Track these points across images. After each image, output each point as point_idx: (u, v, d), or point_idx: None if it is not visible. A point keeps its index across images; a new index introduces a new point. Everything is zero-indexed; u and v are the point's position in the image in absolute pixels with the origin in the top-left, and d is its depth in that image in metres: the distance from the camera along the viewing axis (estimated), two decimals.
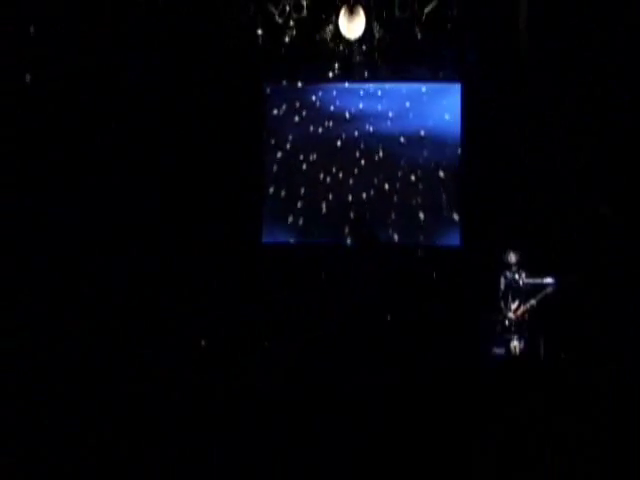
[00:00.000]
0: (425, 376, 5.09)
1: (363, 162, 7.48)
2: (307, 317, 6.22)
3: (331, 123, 7.55)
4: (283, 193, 7.55)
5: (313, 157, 7.55)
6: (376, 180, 7.42)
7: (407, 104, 7.46)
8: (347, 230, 6.92)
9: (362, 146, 7.50)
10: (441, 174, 7.36)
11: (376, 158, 7.46)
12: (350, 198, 7.40)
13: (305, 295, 6.50)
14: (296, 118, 7.58)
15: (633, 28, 6.20)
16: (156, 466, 3.94)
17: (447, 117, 7.36)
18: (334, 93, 7.53)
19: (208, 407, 4.54)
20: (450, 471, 3.73)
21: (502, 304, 6.04)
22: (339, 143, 7.54)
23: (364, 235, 5.79)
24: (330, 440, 3.95)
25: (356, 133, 7.52)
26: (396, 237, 7.21)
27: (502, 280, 6.08)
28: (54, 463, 3.81)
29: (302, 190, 7.52)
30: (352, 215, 6.80)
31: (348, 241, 6.79)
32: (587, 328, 5.89)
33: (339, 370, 5.28)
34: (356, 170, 7.48)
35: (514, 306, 6.02)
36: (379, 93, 7.48)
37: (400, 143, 7.46)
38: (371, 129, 7.50)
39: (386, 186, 7.38)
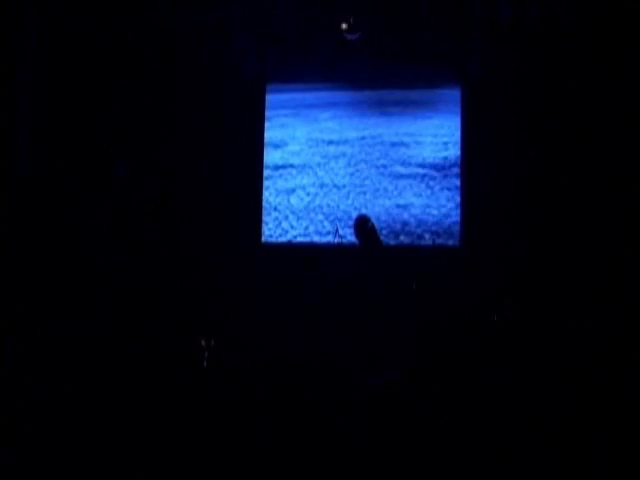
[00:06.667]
0: (425, 376, 5.08)
1: (363, 163, 7.49)
2: (307, 317, 6.21)
3: (330, 123, 7.56)
4: (273, 190, 7.54)
5: (313, 157, 7.56)
6: (376, 180, 7.43)
7: (407, 105, 7.47)
8: (345, 230, 6.92)
9: (361, 147, 7.50)
10: (427, 169, 7.37)
11: (375, 159, 7.47)
12: (350, 198, 7.42)
13: (305, 295, 6.49)
14: (294, 118, 7.59)
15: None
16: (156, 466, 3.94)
17: (447, 117, 7.37)
18: (333, 93, 7.52)
19: (208, 407, 4.53)
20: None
21: None
22: (338, 143, 7.54)
23: (366, 235, 5.78)
24: (331, 441, 3.95)
25: (355, 134, 7.52)
26: (385, 234, 7.23)
27: None
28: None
29: (302, 190, 7.52)
30: (352, 215, 6.79)
31: (348, 241, 6.79)
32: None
33: (339, 370, 5.27)
34: (356, 170, 7.49)
35: None
36: (379, 93, 7.49)
37: (400, 143, 7.47)
38: (370, 130, 7.50)
39: (385, 187, 7.40)
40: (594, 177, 6.54)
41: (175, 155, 7.07)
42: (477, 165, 7.12)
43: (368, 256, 5.82)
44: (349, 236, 6.69)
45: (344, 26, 6.64)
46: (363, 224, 5.97)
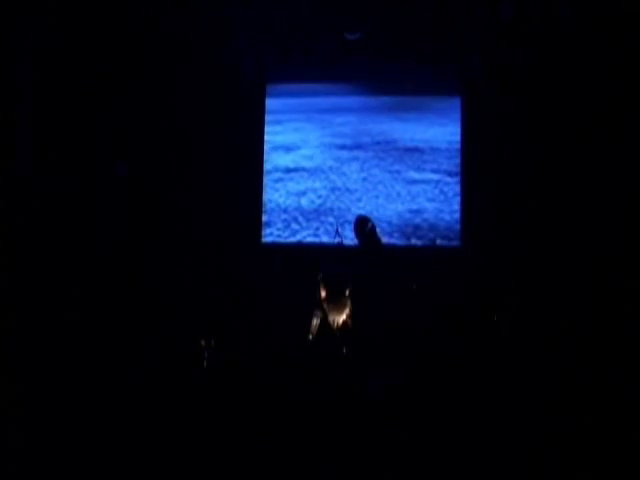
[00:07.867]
0: (425, 377, 5.09)
1: (376, 168, 7.48)
2: (307, 317, 6.21)
3: (344, 128, 7.54)
4: (283, 192, 7.54)
5: (325, 161, 7.55)
6: (389, 185, 7.42)
7: (423, 111, 7.45)
8: (345, 231, 6.92)
9: (375, 152, 7.49)
10: (441, 175, 7.37)
11: (389, 164, 7.46)
12: (362, 201, 7.41)
13: (305, 296, 6.49)
14: (308, 123, 7.59)
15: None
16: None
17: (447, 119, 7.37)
18: (333, 93, 7.52)
19: (208, 407, 4.53)
20: None
21: None
22: (352, 147, 7.53)
23: (366, 235, 5.79)
24: (331, 442, 3.96)
25: (369, 139, 7.51)
26: (397, 238, 7.23)
27: None
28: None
29: (313, 192, 7.51)
30: (353, 216, 6.79)
31: (349, 242, 6.79)
32: None
33: (339, 371, 5.27)
34: (369, 175, 7.48)
35: None
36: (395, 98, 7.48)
37: (414, 149, 7.46)
38: (385, 135, 7.49)
39: (399, 191, 7.40)
40: (595, 178, 6.54)
41: (175, 155, 7.08)
42: (478, 163, 7.13)
43: (368, 256, 5.83)
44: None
45: (350, 36, 6.66)
46: (363, 225, 5.97)
